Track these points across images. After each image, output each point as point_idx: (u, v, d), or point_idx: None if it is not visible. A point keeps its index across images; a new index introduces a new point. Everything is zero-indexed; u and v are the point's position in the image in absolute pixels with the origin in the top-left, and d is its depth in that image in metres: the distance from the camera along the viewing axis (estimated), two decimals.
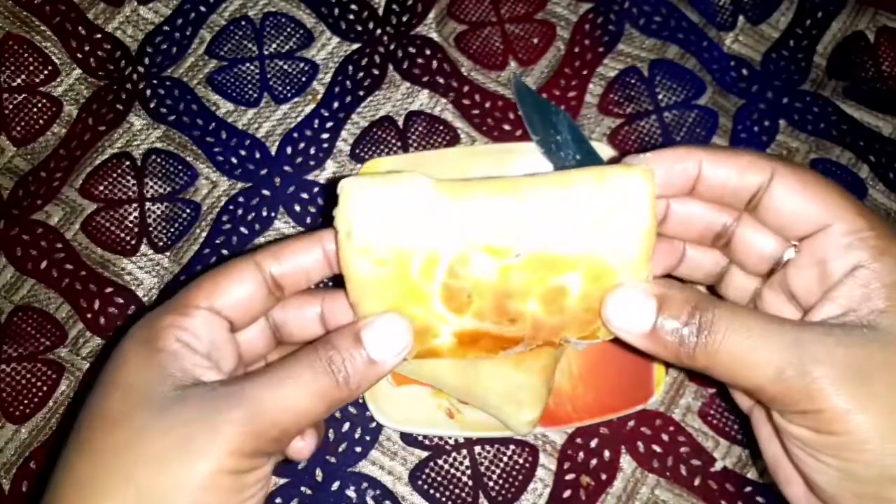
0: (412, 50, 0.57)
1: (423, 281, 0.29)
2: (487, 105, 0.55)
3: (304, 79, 0.56)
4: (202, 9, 0.58)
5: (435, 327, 0.31)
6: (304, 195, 0.53)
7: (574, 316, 0.31)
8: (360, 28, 0.57)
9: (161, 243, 0.53)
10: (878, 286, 0.27)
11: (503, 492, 0.48)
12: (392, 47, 0.57)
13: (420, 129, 0.55)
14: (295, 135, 0.55)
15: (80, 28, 0.57)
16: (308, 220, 0.53)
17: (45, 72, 0.57)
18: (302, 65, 0.56)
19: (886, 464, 0.26)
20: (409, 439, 0.49)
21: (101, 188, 0.54)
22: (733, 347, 0.27)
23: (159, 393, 0.28)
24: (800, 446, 0.28)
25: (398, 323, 0.30)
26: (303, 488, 0.48)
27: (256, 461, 0.28)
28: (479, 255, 0.29)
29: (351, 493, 0.48)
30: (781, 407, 0.28)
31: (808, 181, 0.29)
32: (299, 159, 0.54)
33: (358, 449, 0.48)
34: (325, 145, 0.55)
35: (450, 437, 0.48)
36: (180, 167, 0.54)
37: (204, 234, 0.53)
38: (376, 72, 0.56)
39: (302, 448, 0.33)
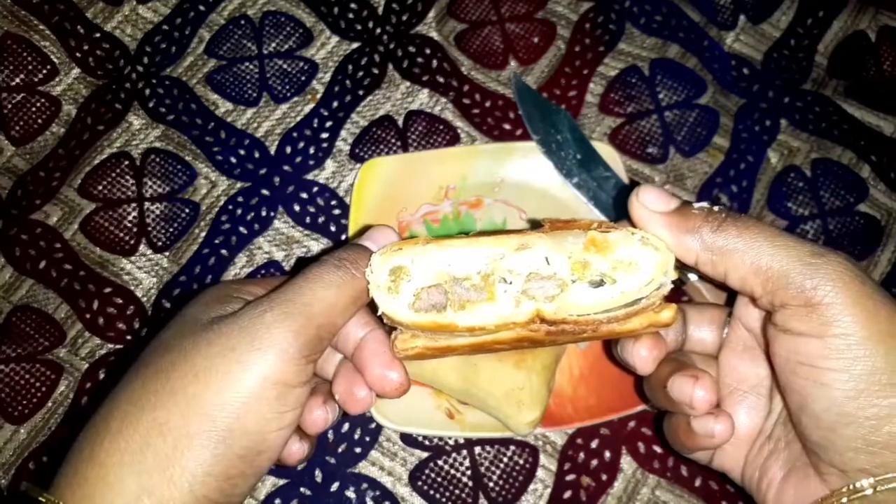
0: (412, 49, 0.57)
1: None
2: (488, 104, 0.55)
3: (303, 78, 0.56)
4: (201, 8, 0.58)
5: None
6: (304, 194, 0.53)
7: (551, 219, 0.32)
8: (359, 27, 0.57)
9: (160, 243, 0.53)
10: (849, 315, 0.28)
11: (503, 492, 0.48)
12: (392, 46, 0.57)
13: (420, 128, 0.55)
14: (294, 134, 0.55)
15: (78, 27, 0.57)
16: (307, 219, 0.53)
17: (44, 71, 0.56)
18: (301, 64, 0.56)
19: (886, 368, 0.27)
20: (409, 440, 0.48)
21: (100, 188, 0.54)
22: (761, 229, 0.29)
23: (209, 318, 0.31)
24: (795, 359, 0.29)
25: (388, 231, 0.33)
26: (302, 489, 0.48)
27: (299, 370, 0.29)
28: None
29: (351, 493, 0.47)
30: (785, 297, 0.28)
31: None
32: (299, 159, 0.54)
33: (358, 450, 0.48)
34: (325, 145, 0.54)
35: (450, 438, 0.48)
36: (179, 167, 0.54)
37: (203, 234, 0.53)
38: (376, 71, 0.56)
39: (296, 452, 0.33)
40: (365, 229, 0.36)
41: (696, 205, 0.30)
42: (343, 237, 0.52)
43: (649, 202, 0.31)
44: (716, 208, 0.30)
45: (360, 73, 0.56)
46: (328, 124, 0.55)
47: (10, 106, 0.56)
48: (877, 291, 0.28)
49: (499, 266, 0.30)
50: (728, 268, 0.30)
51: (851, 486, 0.28)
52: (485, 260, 0.30)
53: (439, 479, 0.48)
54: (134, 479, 0.28)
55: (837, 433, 0.28)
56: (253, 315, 0.29)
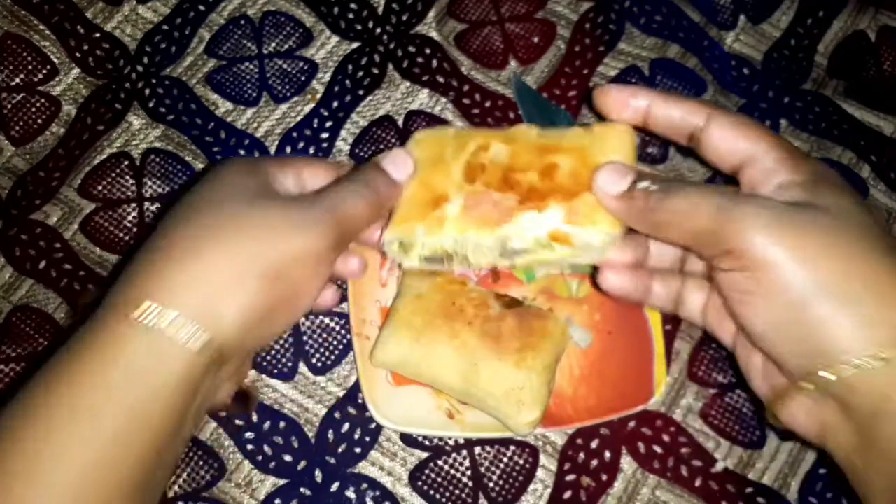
0: (412, 49, 0.57)
1: (451, 159, 0.39)
2: (488, 104, 0.55)
3: (303, 78, 0.56)
4: (201, 8, 0.58)
5: (448, 193, 0.38)
6: None
7: (561, 184, 0.36)
8: (359, 27, 0.57)
9: None
10: (798, 189, 0.33)
11: (503, 493, 0.48)
12: (392, 46, 0.57)
13: (420, 128, 0.55)
14: (294, 134, 0.55)
15: (78, 27, 0.57)
16: None
17: (44, 71, 0.56)
18: (301, 64, 0.56)
19: (802, 286, 0.31)
20: (408, 440, 0.49)
21: (100, 188, 0.54)
22: (686, 198, 0.33)
23: (254, 188, 0.36)
24: (734, 290, 0.33)
25: (402, 153, 0.40)
26: (302, 489, 0.48)
27: (331, 253, 0.37)
28: (497, 144, 0.38)
29: (350, 494, 0.47)
30: (713, 250, 0.33)
31: (738, 123, 0.35)
32: None
33: (357, 450, 0.48)
34: (325, 145, 0.54)
35: (450, 438, 0.48)
36: (179, 167, 0.54)
37: None
38: (376, 71, 0.56)
39: (329, 299, 0.42)
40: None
41: (640, 184, 0.35)
42: None
43: (603, 183, 0.36)
44: (652, 187, 0.34)
45: (360, 73, 0.56)
46: (328, 124, 0.55)
47: (9, 106, 0.56)
48: (792, 224, 0.32)
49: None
50: (668, 237, 0.35)
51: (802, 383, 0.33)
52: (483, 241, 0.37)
53: (439, 480, 0.48)
54: (193, 299, 0.33)
55: (778, 349, 0.33)
56: (304, 207, 0.36)
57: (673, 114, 0.36)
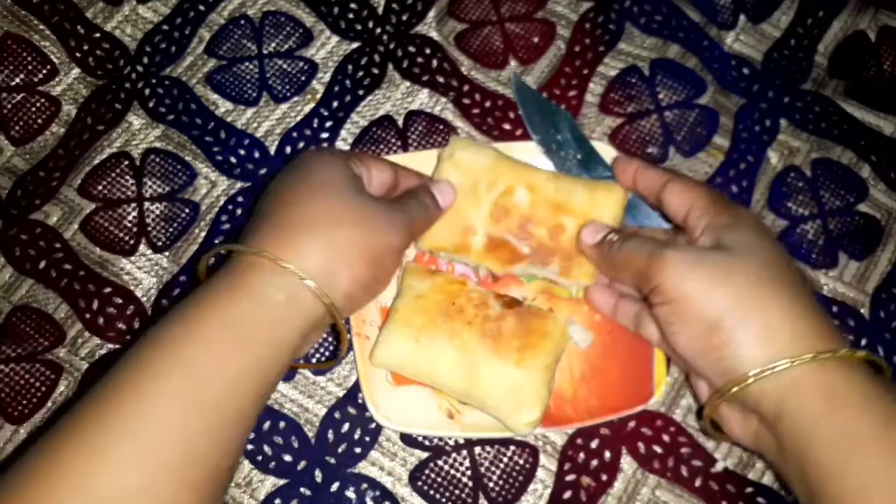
0: (412, 49, 0.57)
1: (484, 194, 0.47)
2: (488, 104, 0.55)
3: (303, 78, 0.56)
4: (201, 8, 0.58)
5: (476, 226, 0.46)
6: None
7: (563, 247, 0.46)
8: (359, 27, 0.57)
9: (160, 243, 0.53)
10: (717, 230, 0.41)
11: (503, 493, 0.48)
12: (392, 46, 0.57)
13: (420, 128, 0.55)
14: (294, 134, 0.55)
15: (78, 27, 0.57)
16: None
17: (44, 71, 0.56)
18: (301, 64, 0.56)
19: (707, 315, 0.38)
20: (408, 440, 0.49)
21: (100, 188, 0.54)
22: (631, 246, 0.42)
23: (354, 183, 0.42)
24: (662, 321, 0.41)
25: (448, 187, 0.47)
26: (302, 489, 0.48)
27: (404, 250, 0.44)
28: (521, 190, 0.46)
29: (350, 494, 0.47)
30: (646, 288, 0.41)
31: (684, 184, 0.44)
32: None
33: (357, 450, 0.48)
34: (325, 144, 0.54)
35: (450, 438, 0.48)
36: (179, 167, 0.54)
37: (203, 234, 0.53)
38: (376, 71, 0.56)
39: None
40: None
41: (608, 237, 0.44)
42: None
43: (584, 236, 0.46)
44: (613, 238, 0.44)
45: (360, 73, 0.56)
46: (328, 124, 0.55)
47: (9, 106, 0.56)
48: (700, 263, 0.39)
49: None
50: (621, 277, 0.45)
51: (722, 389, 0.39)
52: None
53: (439, 480, 0.48)
54: (318, 265, 0.39)
55: (702, 371, 0.40)
56: (396, 213, 0.42)
57: (644, 182, 0.46)
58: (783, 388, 0.36)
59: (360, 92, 0.56)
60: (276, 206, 0.41)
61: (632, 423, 0.49)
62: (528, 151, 0.51)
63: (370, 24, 0.57)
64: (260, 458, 0.48)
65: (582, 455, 0.48)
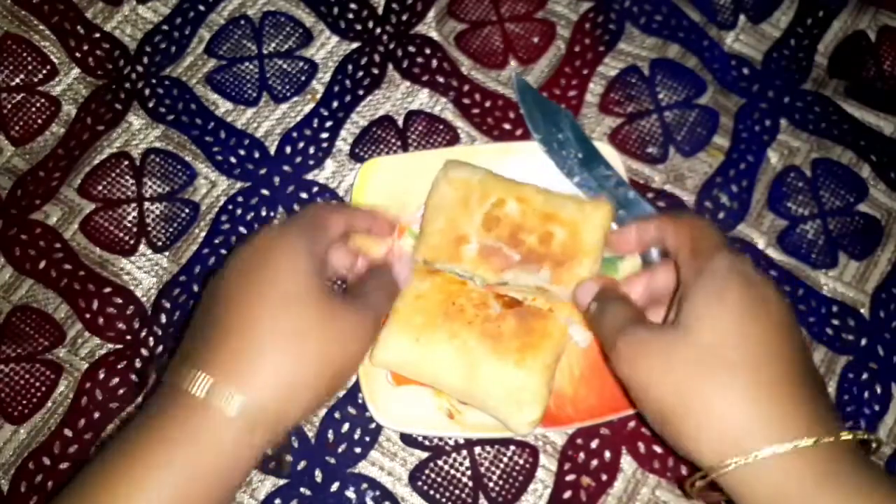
0: (412, 49, 0.56)
1: (476, 206, 0.47)
2: (487, 104, 0.55)
3: (303, 78, 0.56)
4: (201, 8, 0.58)
5: (469, 235, 0.47)
6: (304, 194, 0.53)
7: (553, 252, 0.46)
8: (359, 27, 0.57)
9: (160, 243, 0.53)
10: (683, 295, 0.38)
11: (503, 493, 0.48)
12: (392, 46, 0.57)
13: (420, 128, 0.55)
14: (294, 134, 0.55)
15: (78, 27, 0.57)
16: None
17: (44, 71, 0.56)
18: (301, 64, 0.56)
19: (655, 409, 0.37)
20: (408, 440, 0.48)
21: (100, 188, 0.54)
22: (601, 322, 0.41)
23: (315, 285, 0.38)
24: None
25: (407, 275, 0.46)
26: (302, 489, 0.47)
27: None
28: (511, 202, 0.47)
29: (350, 494, 0.47)
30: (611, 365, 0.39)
31: (673, 231, 0.42)
32: (298, 159, 0.54)
33: (357, 450, 0.48)
34: (325, 145, 0.54)
35: (450, 438, 0.48)
36: (179, 167, 0.54)
37: (203, 234, 0.53)
38: (376, 71, 0.56)
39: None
40: None
41: (591, 305, 0.43)
42: None
43: (577, 295, 0.45)
44: (593, 307, 0.43)
45: (360, 73, 0.56)
46: (328, 124, 0.55)
47: (9, 106, 0.56)
48: (647, 358, 0.37)
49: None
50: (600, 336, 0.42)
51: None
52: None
53: (439, 480, 0.48)
54: (259, 397, 0.35)
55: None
56: (359, 319, 0.40)
57: (646, 238, 0.45)
58: (736, 479, 0.34)
59: (360, 92, 0.56)
60: (227, 317, 0.37)
61: (632, 423, 0.49)
62: (528, 151, 0.51)
63: (370, 24, 0.57)
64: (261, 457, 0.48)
65: (582, 455, 0.48)
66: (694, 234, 0.41)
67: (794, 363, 0.36)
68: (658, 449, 0.48)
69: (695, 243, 0.40)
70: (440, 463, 0.48)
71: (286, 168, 0.54)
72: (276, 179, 0.54)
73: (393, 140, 0.54)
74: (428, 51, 0.56)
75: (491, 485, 0.48)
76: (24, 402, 0.49)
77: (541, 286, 0.46)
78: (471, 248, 0.47)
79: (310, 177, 0.54)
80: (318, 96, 0.55)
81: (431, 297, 0.46)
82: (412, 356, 0.45)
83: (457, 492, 0.48)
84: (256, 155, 0.54)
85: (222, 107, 0.55)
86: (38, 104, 0.56)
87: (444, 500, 0.47)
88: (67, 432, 0.49)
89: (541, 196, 0.47)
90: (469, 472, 0.48)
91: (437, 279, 0.46)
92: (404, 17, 0.57)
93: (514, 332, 0.45)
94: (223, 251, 0.52)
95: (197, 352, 0.37)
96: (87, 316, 0.51)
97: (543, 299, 0.48)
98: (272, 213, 0.53)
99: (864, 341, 0.50)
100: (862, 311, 0.51)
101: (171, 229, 0.53)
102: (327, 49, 0.57)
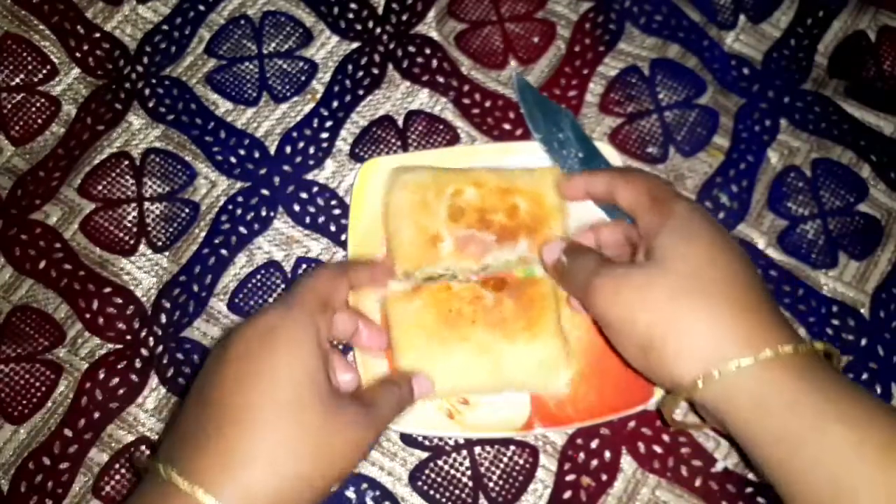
0: (412, 49, 0.56)
1: (437, 203, 0.47)
2: (488, 104, 0.55)
3: (303, 78, 0.56)
4: (201, 8, 0.58)
5: (441, 232, 0.47)
6: (304, 194, 0.53)
7: (524, 222, 0.47)
8: (359, 27, 0.57)
9: (160, 243, 0.53)
10: (649, 237, 0.41)
11: (503, 493, 0.48)
12: (392, 46, 0.57)
13: (420, 128, 0.55)
14: (294, 134, 0.55)
15: (78, 27, 0.57)
16: (307, 219, 0.53)
17: (44, 71, 0.56)
18: (301, 64, 0.56)
19: (636, 338, 0.39)
20: (408, 440, 0.48)
21: (100, 188, 0.54)
22: (573, 269, 0.43)
23: (317, 386, 0.37)
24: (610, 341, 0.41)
25: (428, 382, 0.45)
26: None
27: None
28: (469, 189, 0.48)
29: (350, 493, 0.47)
30: (587, 307, 0.42)
31: (627, 184, 0.44)
32: (298, 159, 0.54)
33: None
34: (325, 145, 0.54)
35: (450, 438, 0.48)
36: (179, 167, 0.54)
37: (203, 234, 0.53)
38: (376, 71, 0.56)
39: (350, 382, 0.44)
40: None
41: (562, 258, 0.45)
42: (343, 237, 0.52)
43: (544, 254, 0.46)
44: (563, 259, 0.44)
45: (360, 73, 0.56)
46: (328, 124, 0.55)
47: (9, 106, 0.56)
48: (624, 292, 0.39)
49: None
50: (569, 291, 0.46)
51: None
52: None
53: (439, 480, 0.48)
54: (268, 497, 0.35)
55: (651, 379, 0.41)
56: (364, 425, 0.39)
57: (594, 189, 0.47)
58: (718, 395, 0.36)
59: (360, 92, 0.56)
60: (218, 413, 0.36)
61: (632, 423, 0.49)
62: (528, 151, 0.51)
63: (370, 24, 0.57)
64: None
65: (582, 455, 0.48)
66: (650, 186, 0.43)
67: (759, 288, 0.39)
68: (658, 449, 0.48)
69: (652, 194, 0.42)
70: (440, 463, 0.48)
71: (286, 168, 0.54)
72: (276, 179, 0.54)
73: (393, 140, 0.54)
74: (428, 51, 0.56)
75: (491, 485, 0.48)
76: (24, 402, 0.49)
77: (523, 257, 0.47)
78: (446, 245, 0.47)
79: (310, 177, 0.54)
80: (318, 96, 0.55)
81: (426, 316, 0.46)
82: (437, 376, 0.45)
83: (457, 492, 0.48)
84: (256, 155, 0.54)
85: (222, 107, 0.55)
86: (38, 104, 0.56)
87: (444, 500, 0.47)
88: (67, 432, 0.49)
89: (493, 175, 0.48)
90: (469, 472, 0.48)
91: (423, 295, 0.46)
92: (404, 17, 0.57)
93: (515, 311, 0.46)
94: (223, 251, 0.52)
95: (190, 444, 0.36)
96: (87, 316, 0.51)
97: (527, 268, 0.49)
98: (272, 213, 0.53)
99: (864, 341, 0.50)
100: (862, 311, 0.51)
101: (171, 229, 0.53)
102: (327, 49, 0.57)
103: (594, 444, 0.48)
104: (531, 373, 0.45)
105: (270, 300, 0.51)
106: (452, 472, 0.48)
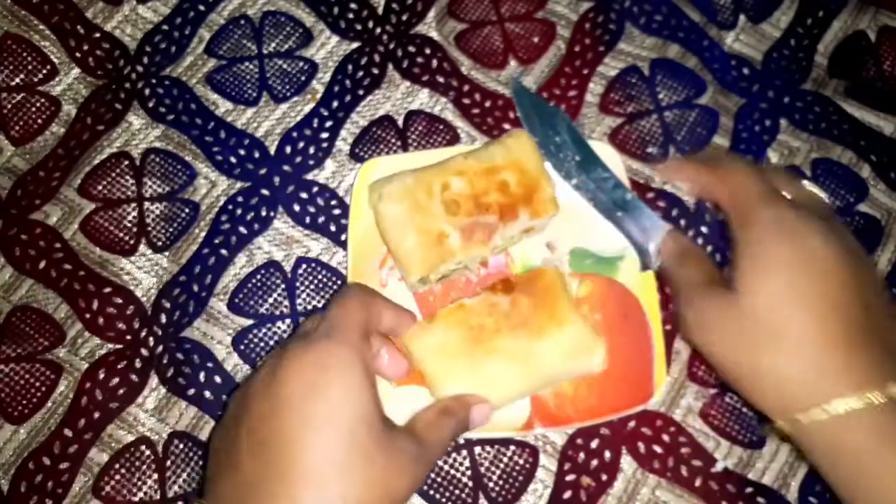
0: (412, 49, 0.56)
1: (429, 203, 0.47)
2: (487, 104, 0.55)
3: (303, 78, 0.56)
4: (201, 7, 0.58)
5: (445, 230, 0.47)
6: (304, 195, 0.53)
7: (518, 194, 0.48)
8: (359, 27, 0.57)
9: (160, 243, 0.53)
10: (737, 257, 0.39)
11: (503, 493, 0.48)
12: (392, 46, 0.57)
13: (420, 128, 0.55)
14: (294, 134, 0.55)
15: (78, 27, 0.57)
16: (307, 219, 0.53)
17: (44, 71, 0.56)
18: (301, 64, 0.56)
19: (723, 372, 0.39)
20: None
21: (100, 188, 0.54)
22: (677, 284, 0.44)
23: (368, 420, 0.37)
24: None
25: (488, 408, 0.43)
26: None
27: None
28: (454, 179, 0.48)
29: None
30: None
31: (720, 185, 0.44)
32: (298, 159, 0.54)
33: None
34: (325, 145, 0.54)
35: None
36: (179, 167, 0.54)
37: (203, 234, 0.53)
38: (376, 71, 0.56)
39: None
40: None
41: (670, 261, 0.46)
42: (343, 237, 0.52)
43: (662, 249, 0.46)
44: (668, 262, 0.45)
45: (360, 73, 0.56)
46: (328, 124, 0.55)
47: (9, 106, 0.56)
48: (709, 329, 0.40)
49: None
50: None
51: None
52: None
53: (439, 479, 0.48)
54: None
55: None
56: (415, 458, 0.38)
57: (700, 182, 0.46)
58: (809, 436, 0.36)
59: (360, 92, 0.56)
60: (280, 462, 0.35)
61: (632, 423, 0.49)
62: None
63: (370, 24, 0.57)
64: None
65: (582, 455, 0.48)
66: (732, 185, 0.41)
67: (850, 314, 0.36)
68: (658, 449, 0.48)
69: (733, 196, 0.41)
70: (440, 463, 0.48)
71: (286, 168, 0.54)
72: (276, 179, 0.54)
73: (393, 140, 0.54)
74: (428, 51, 0.56)
75: (491, 485, 0.48)
76: (24, 402, 0.49)
77: (526, 227, 0.48)
78: (453, 239, 0.47)
79: (310, 177, 0.54)
80: (318, 96, 0.55)
81: (449, 341, 0.45)
82: (477, 392, 0.45)
83: (457, 492, 0.48)
84: (256, 155, 0.54)
85: (222, 107, 0.55)
86: (38, 104, 0.56)
87: (444, 500, 0.47)
88: (67, 432, 0.49)
89: (470, 159, 0.48)
90: (469, 472, 0.48)
91: (438, 324, 0.45)
92: (404, 17, 0.57)
93: (533, 306, 0.45)
94: (223, 251, 0.52)
95: (253, 493, 0.35)
96: (87, 316, 0.51)
97: (523, 263, 0.50)
98: (272, 213, 0.53)
99: None
100: None
101: (171, 229, 0.53)
102: (327, 49, 0.57)
103: (594, 444, 0.48)
104: (567, 360, 0.45)
105: (271, 300, 0.51)
106: (452, 471, 0.48)
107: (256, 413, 0.37)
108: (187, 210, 0.53)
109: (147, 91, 0.56)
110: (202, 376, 0.50)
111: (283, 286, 0.52)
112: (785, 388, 0.36)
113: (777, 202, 0.40)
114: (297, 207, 0.53)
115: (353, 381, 0.37)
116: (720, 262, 0.51)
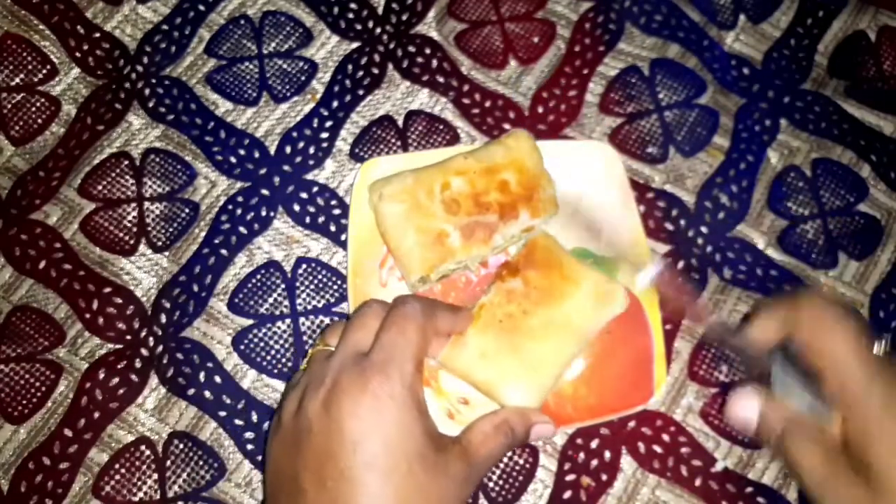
0: (412, 49, 0.57)
1: (429, 202, 0.47)
2: (487, 104, 0.55)
3: (303, 78, 0.56)
4: (201, 7, 0.58)
5: (445, 229, 0.47)
6: (304, 194, 0.53)
7: (518, 193, 0.48)
8: (359, 27, 0.57)
9: (160, 243, 0.53)
10: (855, 434, 0.37)
11: (503, 492, 0.48)
12: (392, 46, 0.57)
13: (420, 128, 0.55)
14: (294, 134, 0.55)
15: (78, 27, 0.57)
16: (307, 219, 0.53)
17: (44, 71, 0.56)
18: (301, 64, 0.56)
19: None
20: None
21: (100, 188, 0.54)
22: (795, 460, 0.39)
23: (432, 459, 0.38)
24: None
25: (551, 426, 0.43)
26: None
27: None
28: (454, 179, 0.48)
29: None
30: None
31: (812, 343, 0.39)
32: (298, 158, 0.54)
33: None
34: (325, 144, 0.54)
35: None
36: (179, 167, 0.54)
37: (203, 234, 0.53)
38: (376, 71, 0.56)
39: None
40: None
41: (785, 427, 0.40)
42: (343, 237, 0.52)
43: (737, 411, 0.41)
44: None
45: (360, 73, 0.56)
46: (328, 124, 0.55)
47: (9, 106, 0.56)
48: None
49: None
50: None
51: None
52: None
53: None
54: None
55: None
56: (468, 478, 0.39)
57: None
58: None
59: (360, 92, 0.56)
60: (329, 489, 0.36)
61: (632, 423, 0.49)
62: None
63: (370, 24, 0.57)
64: (260, 458, 0.48)
65: (582, 455, 0.48)
66: (812, 328, 0.39)
67: None
68: (658, 449, 0.48)
69: (814, 340, 0.38)
70: None
71: (286, 168, 0.54)
72: (276, 179, 0.54)
73: (393, 140, 0.54)
74: (428, 51, 0.56)
75: (491, 485, 0.48)
76: (24, 402, 0.49)
77: (526, 227, 0.48)
78: (453, 238, 0.47)
79: (310, 177, 0.54)
80: (318, 96, 0.55)
81: (485, 343, 0.45)
82: (533, 384, 0.45)
83: None
84: (256, 155, 0.54)
85: (222, 107, 0.55)
86: (38, 104, 0.56)
87: None
88: (67, 432, 0.49)
89: (471, 159, 0.48)
90: None
91: (470, 332, 0.45)
92: (404, 17, 0.57)
93: (543, 276, 0.46)
94: (223, 251, 0.52)
95: None
96: (87, 316, 0.51)
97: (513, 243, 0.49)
98: (272, 213, 0.53)
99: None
100: (862, 311, 0.51)
101: (171, 229, 0.53)
102: (327, 49, 0.57)
103: (594, 444, 0.48)
104: (595, 311, 0.46)
105: (271, 300, 0.51)
106: None
107: (314, 448, 0.37)
108: (187, 210, 0.53)
109: (147, 91, 0.56)
110: (202, 376, 0.50)
111: (283, 286, 0.52)
112: None
113: (857, 335, 0.38)
114: (297, 207, 0.53)
115: (409, 419, 0.37)
116: (720, 261, 0.51)
